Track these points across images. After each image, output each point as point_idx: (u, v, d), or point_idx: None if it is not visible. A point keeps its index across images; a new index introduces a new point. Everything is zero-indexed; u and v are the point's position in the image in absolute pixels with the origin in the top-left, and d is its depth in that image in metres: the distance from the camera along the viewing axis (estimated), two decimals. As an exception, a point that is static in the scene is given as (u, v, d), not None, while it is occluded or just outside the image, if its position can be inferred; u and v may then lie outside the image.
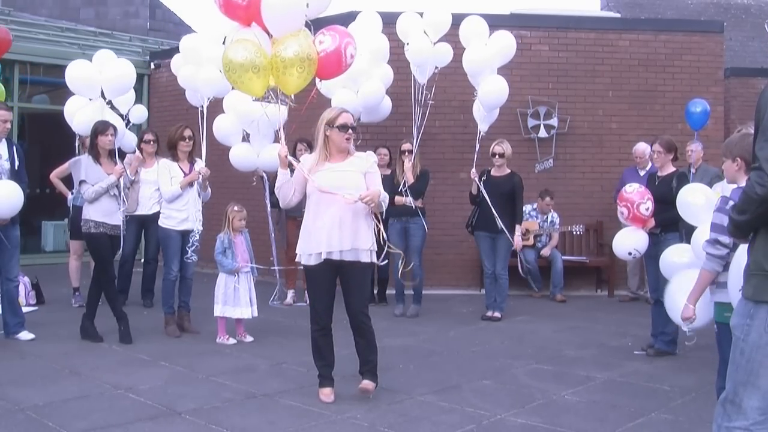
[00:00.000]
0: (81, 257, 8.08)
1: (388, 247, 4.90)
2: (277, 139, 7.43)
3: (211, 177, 6.88)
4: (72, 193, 8.14)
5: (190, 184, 6.65)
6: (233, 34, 5.05)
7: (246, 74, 4.76)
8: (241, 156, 7.56)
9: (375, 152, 8.01)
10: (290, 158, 4.79)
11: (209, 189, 6.91)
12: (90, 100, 7.39)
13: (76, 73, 7.38)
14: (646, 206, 5.86)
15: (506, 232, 7.47)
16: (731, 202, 3.68)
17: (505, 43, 7.64)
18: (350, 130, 4.73)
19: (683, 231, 5.88)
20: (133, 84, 7.67)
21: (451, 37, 7.96)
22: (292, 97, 5.12)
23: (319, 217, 4.62)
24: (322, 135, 4.71)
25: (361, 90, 7.79)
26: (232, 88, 7.41)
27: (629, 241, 5.99)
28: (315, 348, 4.80)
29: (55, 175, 8.26)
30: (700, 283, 3.96)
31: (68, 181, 8.35)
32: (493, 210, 7.42)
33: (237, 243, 6.48)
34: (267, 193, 7.90)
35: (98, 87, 7.33)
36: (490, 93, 7.52)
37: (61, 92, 12.06)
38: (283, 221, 8.35)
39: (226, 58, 4.81)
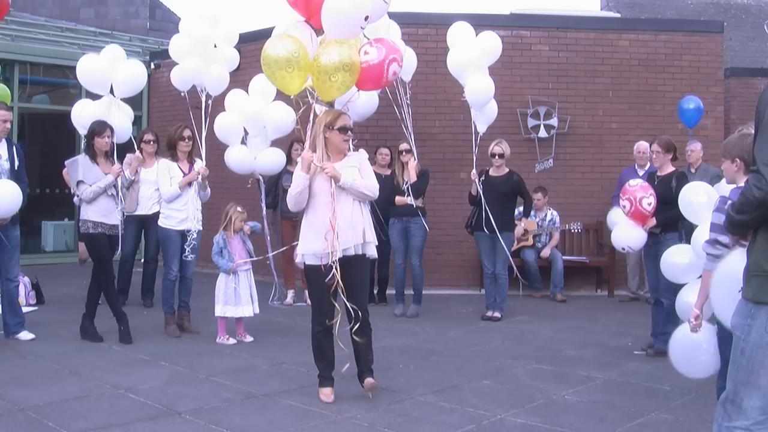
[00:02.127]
0: None
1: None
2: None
3: (211, 177, 6.88)
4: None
5: (189, 184, 6.65)
6: (286, 26, 5.01)
7: (279, 72, 4.68)
8: (238, 159, 7.56)
9: (376, 152, 8.14)
10: (320, 162, 4.68)
11: (209, 189, 6.91)
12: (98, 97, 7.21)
13: (87, 67, 7.16)
14: (649, 201, 5.86)
15: (499, 235, 7.48)
16: (730, 202, 3.68)
17: (492, 44, 7.60)
18: (349, 132, 4.81)
19: (683, 231, 5.89)
20: (143, 85, 7.50)
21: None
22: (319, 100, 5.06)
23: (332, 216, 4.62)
24: (321, 137, 4.73)
25: None
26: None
27: (626, 237, 5.99)
28: (317, 348, 4.81)
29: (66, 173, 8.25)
30: (704, 285, 3.95)
31: None
32: (489, 212, 7.45)
33: (233, 243, 6.48)
34: (263, 195, 7.91)
35: (109, 83, 7.11)
36: (475, 91, 7.52)
37: (61, 92, 12.10)
38: (278, 222, 8.34)
39: (265, 52, 4.71)
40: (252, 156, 7.52)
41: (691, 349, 4.19)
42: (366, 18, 4.75)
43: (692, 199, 4.83)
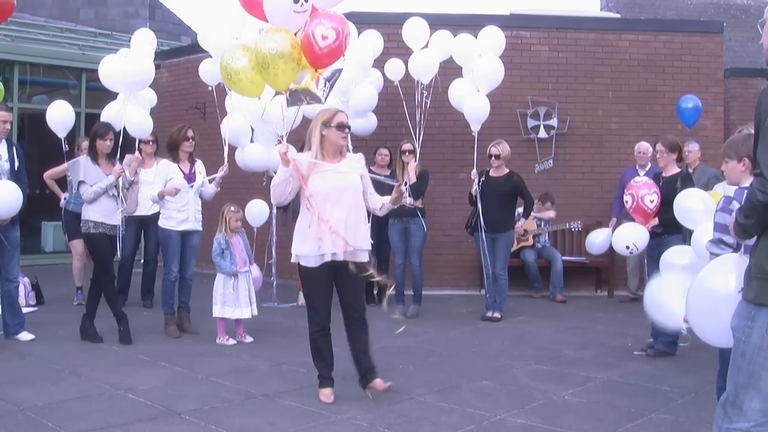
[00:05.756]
0: (83, 256, 8.06)
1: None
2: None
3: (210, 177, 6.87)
4: (65, 197, 8.11)
5: (192, 186, 6.63)
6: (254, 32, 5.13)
7: (228, 81, 4.87)
8: (254, 156, 7.54)
9: (375, 152, 8.12)
10: (293, 157, 4.73)
11: (216, 189, 6.86)
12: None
13: (107, 69, 6.94)
14: (651, 198, 5.83)
15: (484, 235, 7.51)
16: (734, 202, 3.68)
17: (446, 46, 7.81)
18: (346, 129, 4.79)
19: (686, 233, 5.87)
20: (150, 80, 7.00)
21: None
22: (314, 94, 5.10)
23: (325, 218, 4.62)
24: (318, 135, 4.72)
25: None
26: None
27: (628, 235, 5.95)
28: (315, 349, 4.81)
29: (48, 176, 8.24)
30: None
31: (62, 182, 8.33)
32: (482, 214, 7.46)
33: (234, 244, 6.47)
34: None
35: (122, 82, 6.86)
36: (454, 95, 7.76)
37: (61, 92, 12.10)
38: (289, 223, 8.31)
39: (220, 62, 4.89)
40: (268, 153, 7.51)
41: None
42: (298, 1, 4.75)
43: (688, 206, 4.83)
